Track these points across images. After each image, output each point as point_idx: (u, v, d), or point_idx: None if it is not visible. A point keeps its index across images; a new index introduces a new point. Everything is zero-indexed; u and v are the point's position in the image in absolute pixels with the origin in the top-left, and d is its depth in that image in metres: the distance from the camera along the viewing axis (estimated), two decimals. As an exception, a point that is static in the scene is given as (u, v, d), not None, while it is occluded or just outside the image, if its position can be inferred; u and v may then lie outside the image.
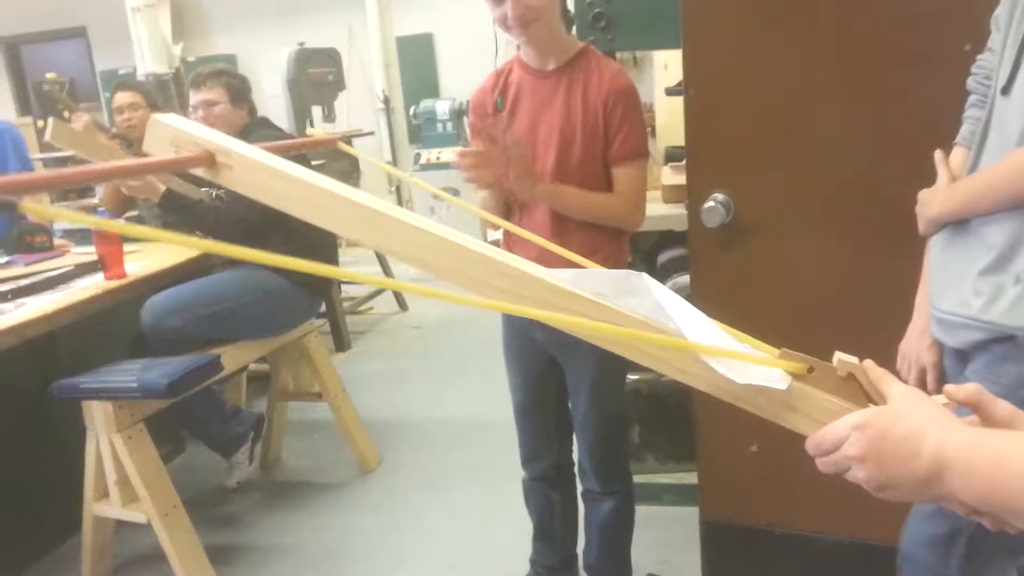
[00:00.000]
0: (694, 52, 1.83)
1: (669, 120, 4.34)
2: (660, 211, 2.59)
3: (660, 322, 0.73)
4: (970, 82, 1.34)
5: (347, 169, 5.30)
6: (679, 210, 2.43)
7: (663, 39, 2.49)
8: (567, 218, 1.83)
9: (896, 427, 0.68)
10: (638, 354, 0.74)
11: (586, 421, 1.98)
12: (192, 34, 7.32)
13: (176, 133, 0.82)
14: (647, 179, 1.91)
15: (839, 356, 0.75)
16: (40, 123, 5.62)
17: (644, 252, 2.89)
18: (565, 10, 2.85)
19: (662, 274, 2.72)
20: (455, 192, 6.41)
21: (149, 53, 4.53)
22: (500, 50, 3.24)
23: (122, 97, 3.43)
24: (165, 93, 4.22)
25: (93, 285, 2.69)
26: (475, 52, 6.49)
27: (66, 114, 5.04)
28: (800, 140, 1.75)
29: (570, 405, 2.02)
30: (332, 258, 3.09)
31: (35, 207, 0.89)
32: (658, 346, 0.72)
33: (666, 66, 4.43)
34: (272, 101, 7.12)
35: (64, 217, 2.87)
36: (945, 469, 0.65)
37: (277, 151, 0.88)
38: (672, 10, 1.88)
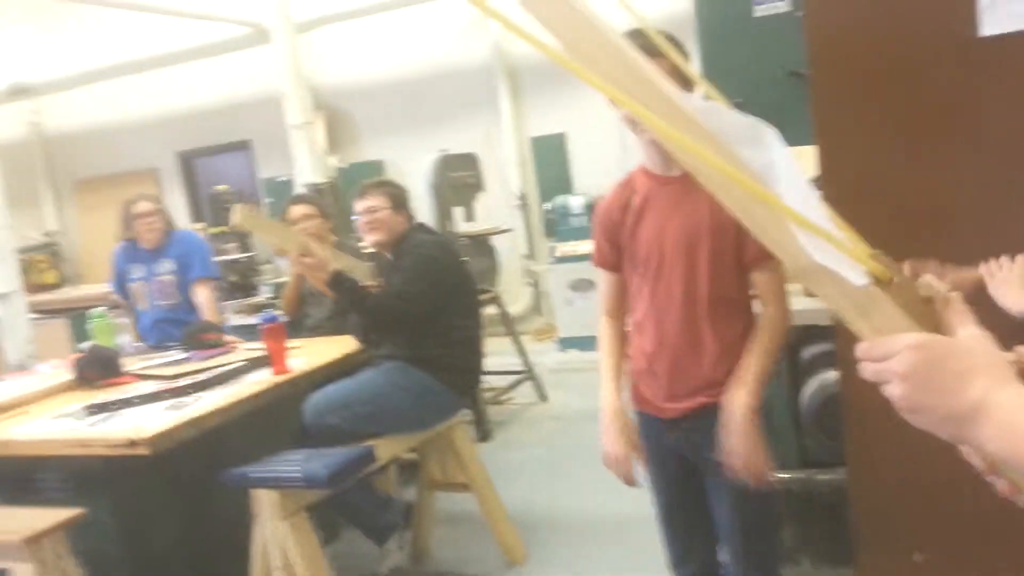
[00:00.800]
0: (828, 151, 1.86)
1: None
2: (802, 304, 2.56)
3: (767, 179, 0.69)
4: None
5: (487, 265, 5.51)
6: (822, 303, 2.40)
7: (795, 136, 2.51)
8: (700, 319, 1.83)
9: (950, 360, 0.67)
10: (728, 197, 0.71)
11: (729, 525, 1.92)
12: (344, 143, 7.91)
13: None
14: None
15: (929, 278, 0.73)
16: (211, 229, 6.19)
17: (786, 347, 2.84)
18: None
19: (806, 371, 2.67)
20: (589, 284, 6.51)
21: (308, 164, 4.93)
22: (627, 149, 3.35)
23: (297, 210, 3.78)
24: (322, 200, 4.59)
25: (261, 380, 2.92)
26: (606, 149, 6.73)
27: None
28: (940, 239, 1.73)
29: (712, 508, 1.97)
30: (479, 355, 3.23)
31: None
32: (749, 195, 0.69)
33: (801, 155, 4.41)
34: (416, 202, 7.54)
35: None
36: (982, 416, 0.65)
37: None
38: (804, 107, 1.93)
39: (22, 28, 8.89)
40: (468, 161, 5.51)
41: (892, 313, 0.70)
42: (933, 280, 0.73)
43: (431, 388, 2.95)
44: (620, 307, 2.01)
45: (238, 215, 2.88)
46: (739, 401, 1.74)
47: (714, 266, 1.81)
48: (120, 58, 7.62)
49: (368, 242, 3.12)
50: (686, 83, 1.71)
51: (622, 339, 2.00)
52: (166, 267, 4.09)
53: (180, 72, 7.88)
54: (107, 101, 8.67)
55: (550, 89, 7.33)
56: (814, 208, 0.70)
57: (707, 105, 0.72)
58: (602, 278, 2.04)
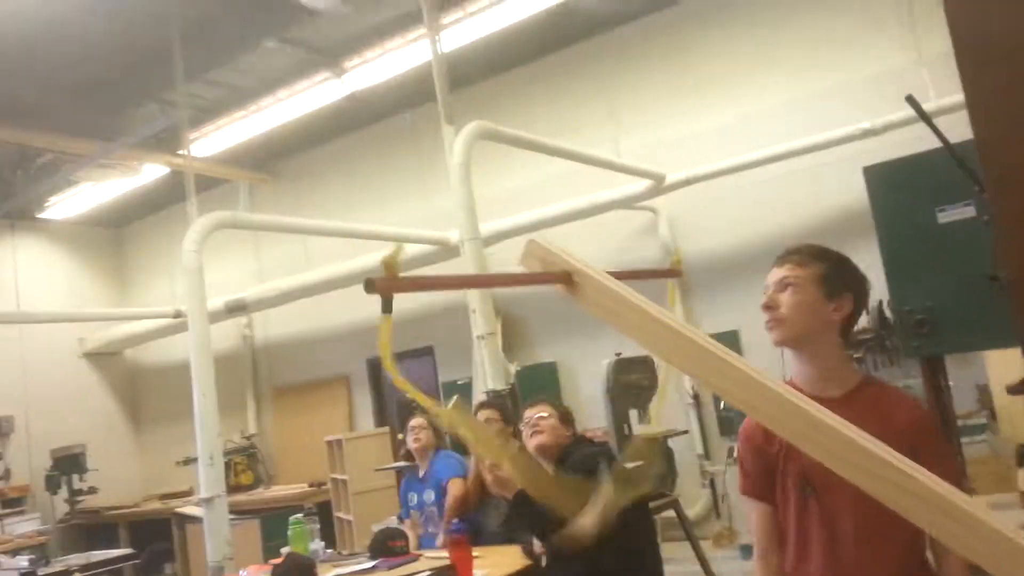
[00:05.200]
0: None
1: (1012, 410, 3.96)
2: (1021, 517, 2.32)
3: None
4: None
5: (663, 471, 5.38)
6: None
7: (993, 338, 2.39)
8: (881, 552, 1.69)
9: None
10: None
11: None
12: (519, 347, 8.22)
13: (546, 253, 0.95)
14: None
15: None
16: (399, 436, 6.48)
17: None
18: (885, 319, 2.84)
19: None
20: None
21: (490, 372, 5.15)
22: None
23: (481, 415, 3.94)
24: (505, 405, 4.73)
25: (447, 591, 2.93)
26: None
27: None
28: None
29: None
30: (658, 562, 3.14)
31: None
32: None
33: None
34: (588, 402, 7.59)
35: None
36: None
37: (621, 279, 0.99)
38: (999, 305, 1.84)
39: (242, 254, 10.17)
40: (644, 364, 5.55)
41: None
42: None
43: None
44: (778, 543, 1.85)
45: (452, 404, 2.96)
46: None
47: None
48: (322, 276, 8.49)
49: (531, 445, 3.20)
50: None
51: None
52: (430, 497, 4.14)
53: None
54: (308, 314, 9.57)
55: (721, 286, 7.41)
56: None
57: None
58: (753, 511, 1.91)
